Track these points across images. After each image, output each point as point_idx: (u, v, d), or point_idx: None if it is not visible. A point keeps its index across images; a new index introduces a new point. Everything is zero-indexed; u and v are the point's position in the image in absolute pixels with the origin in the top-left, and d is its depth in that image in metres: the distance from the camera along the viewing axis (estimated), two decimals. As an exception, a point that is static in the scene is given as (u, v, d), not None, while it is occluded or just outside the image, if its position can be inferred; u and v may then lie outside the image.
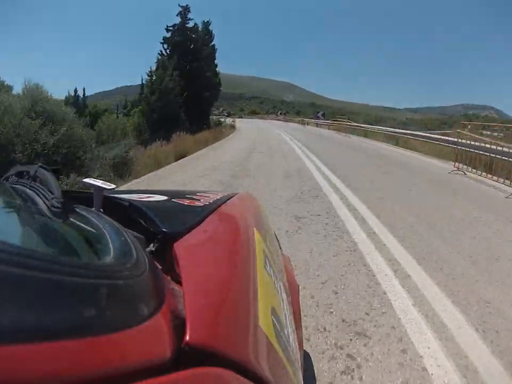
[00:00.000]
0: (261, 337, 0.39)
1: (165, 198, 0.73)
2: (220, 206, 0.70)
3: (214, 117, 31.21)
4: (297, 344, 0.63)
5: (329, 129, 22.47)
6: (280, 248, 1.06)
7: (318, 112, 33.82)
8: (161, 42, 20.81)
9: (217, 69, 24.07)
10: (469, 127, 7.13)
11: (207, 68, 21.28)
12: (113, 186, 0.53)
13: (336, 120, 22.88)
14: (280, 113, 49.97)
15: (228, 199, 0.79)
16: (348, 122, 20.25)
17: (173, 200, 0.72)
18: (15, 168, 0.61)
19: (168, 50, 20.51)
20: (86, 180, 0.54)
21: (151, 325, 0.27)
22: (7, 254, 0.21)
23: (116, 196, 0.61)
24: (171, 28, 21.00)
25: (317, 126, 26.38)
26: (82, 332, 0.21)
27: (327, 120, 27.67)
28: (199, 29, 22.19)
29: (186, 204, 0.69)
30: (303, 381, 0.61)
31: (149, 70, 18.44)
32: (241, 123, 31.08)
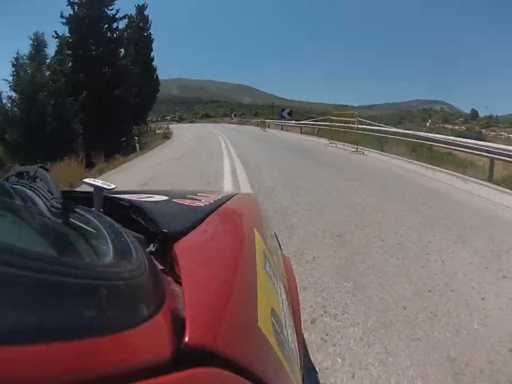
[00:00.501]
0: (260, 338, 0.40)
1: (165, 198, 0.73)
2: (220, 206, 0.70)
3: (161, 123, 28.11)
4: (296, 345, 0.64)
5: (301, 132, 15.61)
6: (280, 248, 1.06)
7: (283, 109, 24.03)
8: (62, 22, 13.78)
9: (153, 63, 19.20)
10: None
11: (125, 55, 15.01)
12: (113, 186, 0.53)
13: (320, 121, 14.17)
14: (235, 115, 42.55)
15: (228, 199, 0.79)
16: (371, 123, 10.22)
17: (173, 200, 0.72)
18: (16, 169, 0.61)
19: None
20: (86, 180, 0.54)
21: (150, 326, 0.27)
22: (7, 254, 0.21)
23: (116, 196, 0.61)
24: (77, 0, 14.02)
25: (281, 129, 19.41)
26: (82, 333, 0.21)
27: (302, 120, 18.73)
28: (132, 14, 16.41)
29: (186, 204, 0.69)
30: (302, 381, 0.61)
31: (14, 56, 10.54)
32: (187, 130, 23.76)
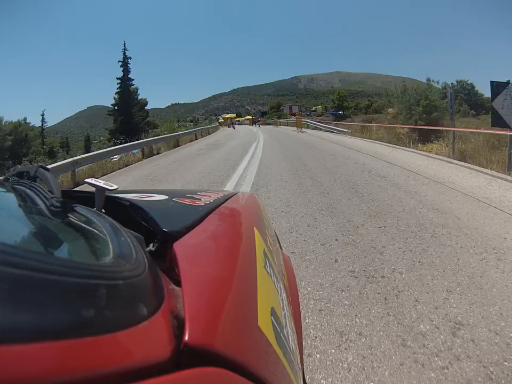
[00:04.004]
0: (260, 338, 0.40)
1: (165, 197, 0.73)
2: (220, 205, 0.69)
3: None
4: (297, 344, 0.63)
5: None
6: (281, 248, 1.06)
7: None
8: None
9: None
10: None
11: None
12: (115, 187, 0.53)
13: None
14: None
15: (229, 198, 0.79)
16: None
17: (173, 199, 0.72)
18: (16, 169, 0.61)
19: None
20: (88, 180, 0.54)
21: (150, 325, 0.27)
22: (6, 254, 0.21)
23: (116, 195, 0.61)
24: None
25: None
26: (81, 332, 0.21)
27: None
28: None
29: (186, 203, 0.68)
30: (303, 381, 0.61)
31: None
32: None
